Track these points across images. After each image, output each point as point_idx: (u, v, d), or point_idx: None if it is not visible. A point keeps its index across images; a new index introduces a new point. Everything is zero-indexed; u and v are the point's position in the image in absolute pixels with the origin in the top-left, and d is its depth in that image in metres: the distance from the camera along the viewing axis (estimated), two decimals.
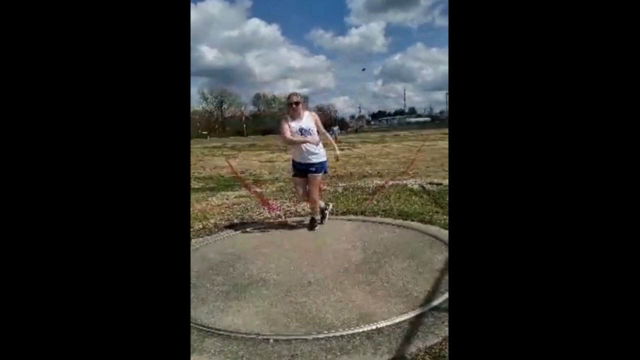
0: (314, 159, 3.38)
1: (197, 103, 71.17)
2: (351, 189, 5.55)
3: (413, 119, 74.16)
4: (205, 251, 3.06)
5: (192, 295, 2.23)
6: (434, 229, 3.26)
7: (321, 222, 3.61)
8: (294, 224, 3.83)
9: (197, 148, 23.19)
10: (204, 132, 61.07)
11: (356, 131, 57.44)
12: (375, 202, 4.48)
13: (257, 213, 4.33)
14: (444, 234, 3.07)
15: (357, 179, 6.67)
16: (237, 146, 24.95)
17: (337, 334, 1.74)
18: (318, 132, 3.43)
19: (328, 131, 4.13)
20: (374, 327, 1.77)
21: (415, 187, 5.44)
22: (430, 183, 5.66)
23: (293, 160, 3.55)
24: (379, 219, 3.76)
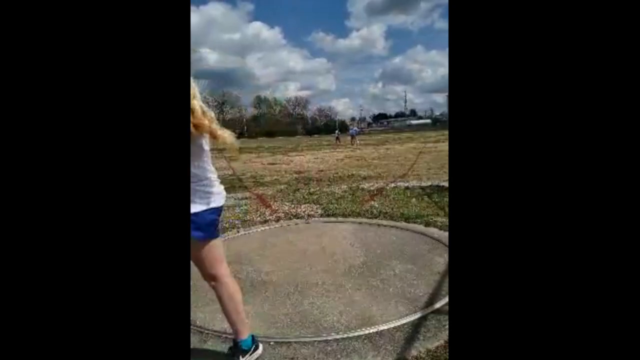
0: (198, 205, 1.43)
1: None
2: (352, 191, 5.55)
3: (414, 121, 74.24)
4: None
5: (193, 297, 2.22)
6: (435, 231, 3.25)
7: None
8: (295, 226, 3.82)
9: None
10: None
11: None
12: (376, 204, 4.47)
13: (258, 215, 4.33)
14: (445, 236, 3.07)
15: (358, 181, 6.67)
16: (238, 148, 24.93)
17: (338, 336, 1.73)
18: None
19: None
20: (374, 329, 1.77)
21: (417, 189, 5.43)
22: (431, 185, 5.65)
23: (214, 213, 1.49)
24: (379, 221, 3.75)
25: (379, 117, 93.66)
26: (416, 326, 1.78)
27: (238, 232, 3.66)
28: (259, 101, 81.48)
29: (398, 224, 3.60)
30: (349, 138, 25.32)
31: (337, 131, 30.58)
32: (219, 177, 1.57)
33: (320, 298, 2.13)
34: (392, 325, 1.79)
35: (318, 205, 4.65)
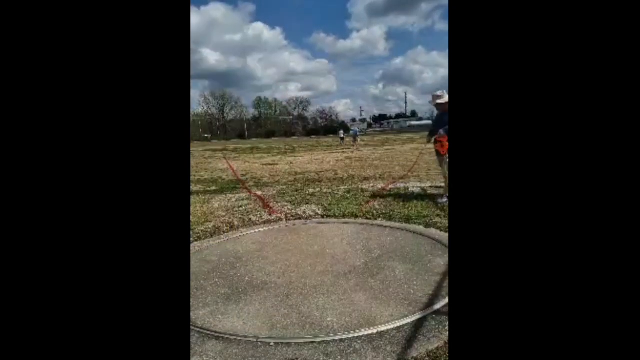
0: None
1: (199, 106, 71.94)
2: (353, 192, 5.55)
3: (415, 122, 74.19)
4: (206, 254, 3.06)
5: (193, 297, 2.22)
6: (435, 232, 3.25)
7: None
8: (295, 226, 3.82)
9: (199, 151, 23.27)
10: (206, 135, 62.36)
11: None
12: (376, 205, 4.47)
13: (258, 216, 4.33)
14: (445, 237, 3.07)
15: (359, 182, 6.67)
16: (238, 149, 25.04)
17: (338, 337, 1.73)
18: None
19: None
20: (375, 330, 1.76)
21: (417, 190, 5.43)
22: (432, 186, 5.65)
23: None
24: (380, 222, 3.75)
25: (380, 118, 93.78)
26: (416, 327, 1.78)
27: (238, 232, 3.66)
28: (260, 102, 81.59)
29: (398, 224, 3.60)
30: (351, 138, 26.22)
31: (342, 132, 31.49)
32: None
33: (321, 299, 2.12)
34: (392, 326, 1.79)
35: (318, 206, 4.65)
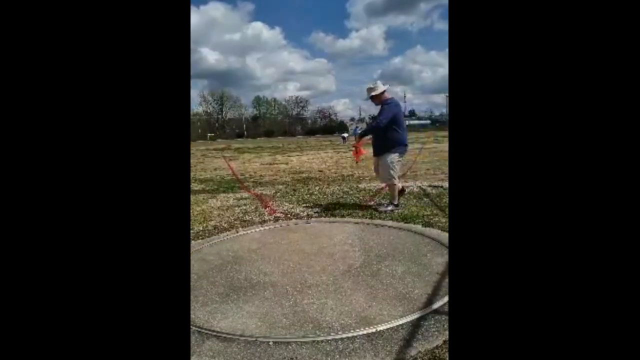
0: None
1: (198, 106, 71.95)
2: (352, 191, 5.55)
3: (414, 122, 74.22)
4: (205, 253, 3.06)
5: (192, 297, 2.22)
6: (434, 232, 3.26)
7: None
8: (294, 226, 3.83)
9: (198, 150, 23.24)
10: (211, 134, 62.45)
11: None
12: (375, 205, 4.47)
13: (257, 215, 4.33)
14: (444, 236, 3.07)
15: (358, 181, 6.67)
16: (237, 148, 25.01)
17: (337, 336, 1.73)
18: None
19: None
20: (373, 330, 1.77)
21: (415, 189, 5.43)
22: (430, 185, 5.66)
23: None
24: (378, 221, 3.76)
25: None
26: (415, 326, 1.78)
27: (237, 232, 3.66)
28: (259, 101, 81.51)
29: (397, 224, 3.61)
30: (353, 137, 26.70)
31: (345, 133, 31.83)
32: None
33: (319, 298, 2.13)
34: (390, 326, 1.79)
35: (317, 205, 4.65)
